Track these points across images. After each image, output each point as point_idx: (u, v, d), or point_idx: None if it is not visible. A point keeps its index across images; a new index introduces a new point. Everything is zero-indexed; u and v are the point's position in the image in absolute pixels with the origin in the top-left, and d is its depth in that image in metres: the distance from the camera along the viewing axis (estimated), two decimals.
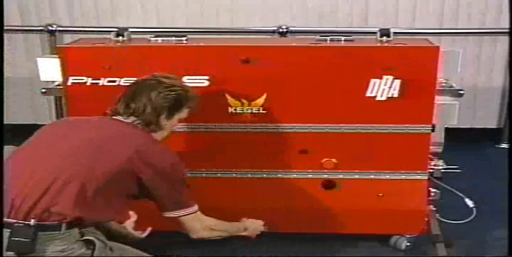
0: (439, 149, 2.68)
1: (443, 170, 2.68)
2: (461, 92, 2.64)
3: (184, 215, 2.11)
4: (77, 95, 2.57)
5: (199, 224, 2.18)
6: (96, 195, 1.88)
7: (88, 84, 2.56)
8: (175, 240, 2.71)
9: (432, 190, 2.68)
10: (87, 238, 1.90)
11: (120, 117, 2.11)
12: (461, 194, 2.76)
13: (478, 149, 3.98)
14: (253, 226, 2.45)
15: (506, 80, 4.03)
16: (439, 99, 2.56)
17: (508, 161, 3.02)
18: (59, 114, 3.35)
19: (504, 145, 4.11)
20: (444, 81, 2.65)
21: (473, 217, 2.74)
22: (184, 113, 2.21)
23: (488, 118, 4.15)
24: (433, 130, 2.58)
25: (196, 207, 2.14)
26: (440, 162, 2.69)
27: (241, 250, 2.73)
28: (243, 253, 2.72)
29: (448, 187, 2.73)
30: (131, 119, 2.09)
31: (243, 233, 2.42)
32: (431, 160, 2.67)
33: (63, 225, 1.83)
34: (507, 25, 3.29)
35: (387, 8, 3.90)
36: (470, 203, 2.76)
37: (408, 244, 2.74)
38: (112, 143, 1.99)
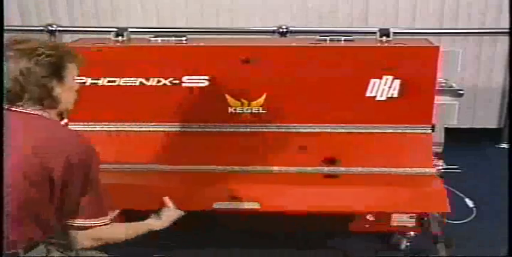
0: (439, 149, 2.68)
1: (443, 170, 2.68)
2: (461, 92, 2.64)
3: (96, 225, 1.82)
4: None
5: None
6: (20, 210, 1.67)
7: (87, 84, 2.56)
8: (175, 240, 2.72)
9: None
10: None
11: (18, 109, 1.76)
12: (461, 194, 2.76)
13: (478, 149, 3.98)
14: (169, 213, 2.15)
15: (506, 80, 4.03)
16: (439, 99, 2.56)
17: (508, 161, 3.01)
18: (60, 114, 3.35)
19: (504, 145, 4.11)
20: (444, 81, 2.65)
21: (473, 217, 2.73)
22: (72, 69, 1.84)
23: (488, 118, 4.15)
24: (433, 130, 2.58)
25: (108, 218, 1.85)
26: (440, 162, 2.69)
27: (240, 251, 2.73)
28: (242, 254, 2.72)
29: (448, 187, 2.72)
30: (26, 106, 1.75)
31: (156, 227, 2.09)
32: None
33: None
34: (507, 25, 3.28)
35: (387, 8, 3.90)
36: (470, 203, 2.76)
37: (408, 244, 2.74)
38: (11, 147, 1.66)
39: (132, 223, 2.04)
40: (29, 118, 1.75)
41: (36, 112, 1.76)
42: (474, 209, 2.75)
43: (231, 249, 2.76)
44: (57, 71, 1.77)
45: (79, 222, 1.79)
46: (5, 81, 1.70)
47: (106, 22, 3.95)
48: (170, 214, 2.14)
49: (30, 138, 1.70)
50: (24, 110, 1.74)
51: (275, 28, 3.80)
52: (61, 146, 1.72)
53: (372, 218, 2.71)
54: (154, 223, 2.09)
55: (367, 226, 2.72)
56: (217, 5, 3.96)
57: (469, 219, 2.74)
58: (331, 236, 2.79)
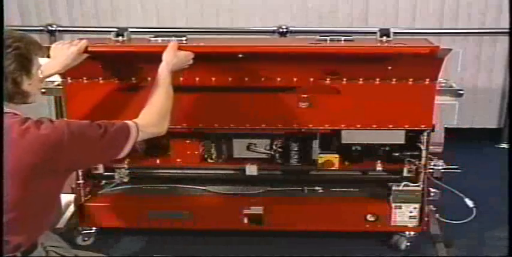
0: (439, 149, 2.68)
1: (443, 170, 2.68)
2: (461, 92, 2.63)
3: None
4: (76, 95, 2.57)
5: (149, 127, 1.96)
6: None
7: (85, 83, 2.56)
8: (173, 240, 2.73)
9: (432, 190, 2.68)
10: None
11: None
12: (461, 194, 2.76)
13: (478, 149, 3.98)
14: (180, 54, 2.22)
15: (506, 80, 4.03)
16: (439, 99, 2.55)
17: (508, 161, 3.01)
18: (59, 115, 3.34)
19: (504, 145, 4.11)
20: (444, 81, 2.65)
21: (473, 217, 2.73)
22: (38, 61, 1.78)
23: (488, 118, 4.15)
24: (433, 130, 2.58)
25: (133, 128, 1.89)
26: (440, 162, 2.69)
27: (244, 248, 2.74)
28: (245, 252, 2.73)
29: (448, 187, 2.73)
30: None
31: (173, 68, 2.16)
32: (431, 159, 2.68)
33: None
34: (507, 25, 3.29)
35: (387, 8, 3.90)
36: (470, 203, 2.76)
37: (408, 243, 2.74)
38: None
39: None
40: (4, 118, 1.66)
41: (10, 111, 1.69)
42: (474, 209, 2.74)
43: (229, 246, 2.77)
44: (25, 64, 1.70)
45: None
46: None
47: (106, 22, 3.95)
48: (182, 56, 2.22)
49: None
50: None
51: (275, 28, 3.81)
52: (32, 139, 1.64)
53: (372, 218, 2.72)
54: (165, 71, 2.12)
55: (367, 226, 2.73)
56: (217, 5, 3.96)
57: (469, 219, 2.73)
58: (330, 235, 2.79)
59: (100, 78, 2.55)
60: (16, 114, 1.71)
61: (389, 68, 2.46)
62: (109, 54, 2.51)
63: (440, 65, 2.44)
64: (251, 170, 2.77)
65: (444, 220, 2.81)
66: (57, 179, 1.78)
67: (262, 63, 2.48)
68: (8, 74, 1.66)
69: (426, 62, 2.41)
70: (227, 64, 2.49)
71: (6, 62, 1.65)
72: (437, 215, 2.80)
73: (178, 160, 2.81)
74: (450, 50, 2.39)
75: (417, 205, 2.68)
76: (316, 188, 2.86)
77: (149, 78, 2.52)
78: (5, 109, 1.68)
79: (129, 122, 1.90)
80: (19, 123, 1.66)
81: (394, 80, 2.50)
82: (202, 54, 2.34)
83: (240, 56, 2.40)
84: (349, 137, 2.64)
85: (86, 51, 2.29)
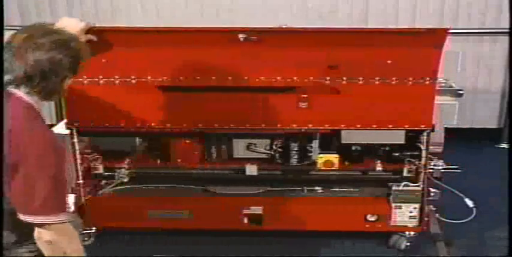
0: (439, 149, 2.68)
1: (443, 170, 2.68)
2: (461, 92, 2.64)
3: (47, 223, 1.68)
4: (75, 95, 2.57)
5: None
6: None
7: (85, 83, 2.56)
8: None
9: (432, 190, 2.68)
10: None
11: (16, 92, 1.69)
12: (461, 194, 2.76)
13: (478, 149, 3.98)
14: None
15: (506, 80, 4.03)
16: (439, 99, 2.55)
17: (508, 161, 3.02)
18: (59, 114, 3.35)
19: (504, 145, 4.11)
20: (444, 81, 2.65)
21: (473, 216, 2.73)
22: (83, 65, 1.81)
23: (488, 118, 4.15)
24: (433, 130, 2.58)
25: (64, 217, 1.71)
26: (440, 162, 2.69)
27: (244, 248, 2.74)
28: (245, 252, 2.73)
29: (448, 187, 2.73)
30: (26, 92, 1.69)
31: None
32: (431, 159, 2.68)
33: None
34: (507, 25, 3.29)
35: (387, 8, 3.91)
36: (470, 203, 2.76)
37: (408, 244, 2.74)
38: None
39: None
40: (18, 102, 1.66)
41: (31, 101, 1.68)
42: (474, 209, 2.75)
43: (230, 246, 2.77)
44: (76, 66, 1.75)
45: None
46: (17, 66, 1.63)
47: (106, 22, 3.95)
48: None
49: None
50: (21, 95, 1.66)
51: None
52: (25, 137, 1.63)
53: (372, 218, 2.72)
54: None
55: (367, 226, 2.73)
56: (217, 5, 3.96)
57: (469, 219, 2.73)
58: (330, 235, 2.79)
59: (100, 78, 2.55)
60: (31, 105, 1.68)
61: (389, 62, 2.46)
62: (115, 31, 2.49)
63: (440, 54, 2.43)
64: (251, 170, 2.77)
65: (444, 219, 2.80)
66: None
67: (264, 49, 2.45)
68: (62, 70, 1.69)
69: (426, 52, 2.41)
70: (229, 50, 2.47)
71: (64, 58, 1.68)
72: (437, 214, 2.80)
73: (178, 160, 2.81)
74: (448, 29, 2.39)
75: (417, 205, 2.68)
76: (316, 188, 2.86)
77: (149, 78, 2.54)
78: (27, 98, 1.67)
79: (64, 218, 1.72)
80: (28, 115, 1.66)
81: (394, 79, 2.49)
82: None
83: (241, 38, 2.39)
84: (349, 137, 2.64)
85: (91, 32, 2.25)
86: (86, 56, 1.80)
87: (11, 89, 1.66)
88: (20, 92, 1.66)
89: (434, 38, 2.40)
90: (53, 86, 1.71)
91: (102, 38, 2.33)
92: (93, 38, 2.23)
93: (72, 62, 1.72)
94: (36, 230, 1.70)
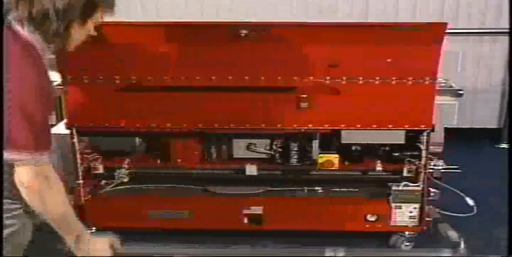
0: (439, 149, 2.68)
1: (443, 170, 2.68)
2: (461, 92, 2.64)
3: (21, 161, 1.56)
4: (75, 95, 2.57)
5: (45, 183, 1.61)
6: None
7: (85, 82, 2.56)
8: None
9: (432, 190, 2.68)
10: None
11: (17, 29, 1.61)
12: (461, 194, 2.76)
13: (478, 149, 3.98)
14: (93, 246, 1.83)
15: (506, 80, 4.03)
16: (439, 99, 2.56)
17: (508, 161, 3.02)
18: (60, 114, 3.35)
19: (504, 145, 4.12)
20: (444, 81, 2.65)
21: (473, 215, 2.74)
22: (98, 16, 1.78)
23: (488, 118, 4.15)
24: (432, 130, 2.58)
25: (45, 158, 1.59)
26: (440, 162, 2.69)
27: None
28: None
29: (449, 187, 2.73)
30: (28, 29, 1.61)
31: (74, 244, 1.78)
32: (431, 159, 2.68)
33: None
34: (507, 25, 3.30)
35: (387, 8, 3.91)
36: (470, 201, 2.76)
37: (408, 243, 2.74)
38: None
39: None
40: (21, 39, 1.58)
41: (33, 40, 1.60)
42: (475, 208, 2.75)
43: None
44: (86, 12, 1.67)
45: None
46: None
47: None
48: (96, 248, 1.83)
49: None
50: (22, 32, 1.58)
51: None
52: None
53: (372, 218, 2.72)
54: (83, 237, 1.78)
55: (367, 226, 2.73)
56: (217, 5, 3.96)
57: (470, 214, 2.73)
58: (330, 235, 2.79)
59: (100, 78, 2.55)
60: (33, 45, 1.60)
61: (389, 60, 2.46)
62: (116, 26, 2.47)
63: (439, 50, 2.43)
64: (251, 170, 2.77)
65: (445, 213, 2.79)
66: None
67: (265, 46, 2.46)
68: (68, 10, 1.61)
69: (425, 48, 2.41)
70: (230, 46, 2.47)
71: (75, 3, 1.61)
72: (437, 209, 2.79)
73: (178, 160, 2.81)
74: (446, 23, 2.39)
75: (417, 205, 2.68)
76: (316, 188, 2.86)
77: (149, 78, 2.54)
78: (29, 36, 1.59)
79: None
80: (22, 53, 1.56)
81: (394, 79, 2.50)
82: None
83: (243, 33, 2.39)
84: (349, 137, 2.64)
85: None
86: (104, 10, 1.73)
87: (15, 26, 1.57)
88: (24, 31, 1.57)
89: (433, 32, 2.40)
90: (55, 28, 1.60)
91: (102, 36, 2.31)
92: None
93: (85, 6, 1.65)
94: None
